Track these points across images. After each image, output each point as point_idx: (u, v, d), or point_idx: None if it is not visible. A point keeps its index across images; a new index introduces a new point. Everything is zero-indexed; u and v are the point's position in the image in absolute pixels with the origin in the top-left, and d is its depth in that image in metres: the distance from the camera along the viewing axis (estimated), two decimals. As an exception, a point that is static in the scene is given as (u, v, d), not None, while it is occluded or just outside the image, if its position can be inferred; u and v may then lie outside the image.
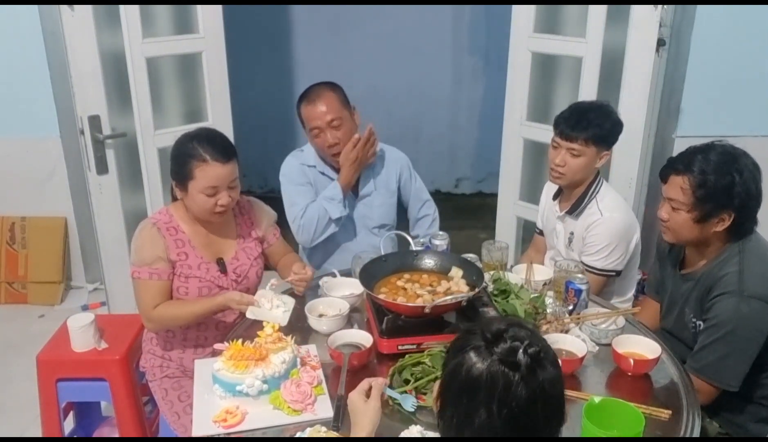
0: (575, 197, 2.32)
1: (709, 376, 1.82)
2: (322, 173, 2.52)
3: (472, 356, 1.10)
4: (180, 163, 1.96)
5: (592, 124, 2.20)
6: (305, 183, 2.50)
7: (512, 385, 1.06)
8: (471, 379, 1.08)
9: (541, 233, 2.60)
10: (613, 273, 2.29)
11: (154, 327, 2.07)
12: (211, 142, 1.95)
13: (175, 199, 2.09)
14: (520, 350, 1.07)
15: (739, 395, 1.85)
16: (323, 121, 2.38)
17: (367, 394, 1.44)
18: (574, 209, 2.31)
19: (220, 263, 2.05)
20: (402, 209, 2.74)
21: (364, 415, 1.40)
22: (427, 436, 1.43)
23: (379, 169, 2.59)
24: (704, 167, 1.81)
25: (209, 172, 1.92)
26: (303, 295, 2.08)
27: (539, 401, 1.08)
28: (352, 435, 1.41)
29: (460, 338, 1.16)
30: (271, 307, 1.87)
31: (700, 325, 1.89)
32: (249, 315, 1.85)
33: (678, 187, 1.84)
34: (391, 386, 1.62)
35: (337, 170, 2.48)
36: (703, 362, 1.82)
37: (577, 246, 2.33)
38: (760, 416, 1.92)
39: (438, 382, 1.20)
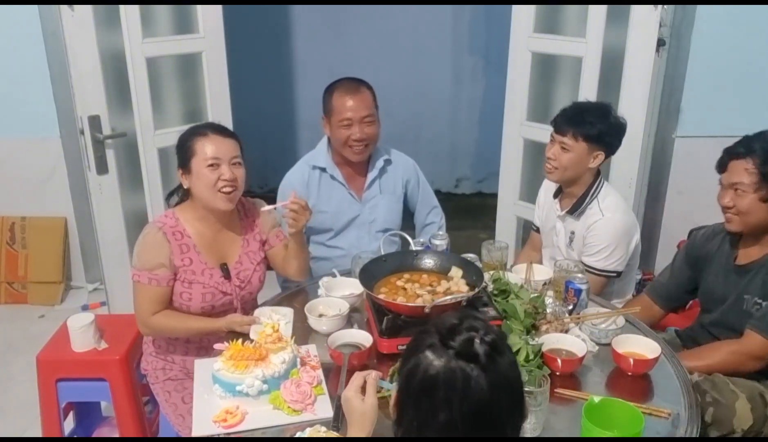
0: (576, 197, 2.32)
1: None
2: (332, 177, 2.52)
3: (428, 354, 1.08)
4: (183, 148, 2.01)
5: (584, 122, 2.21)
6: None
7: (471, 378, 1.04)
8: (429, 378, 1.06)
9: (538, 230, 2.60)
10: (614, 274, 2.29)
11: (148, 332, 2.07)
12: (211, 124, 2.08)
13: (170, 200, 2.10)
14: (477, 340, 1.06)
15: None
16: (358, 115, 2.40)
17: (362, 390, 1.39)
18: (575, 209, 2.32)
19: (224, 269, 2.05)
20: (409, 214, 2.74)
21: (363, 415, 1.35)
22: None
23: (385, 173, 2.59)
24: (766, 147, 1.89)
25: (208, 145, 1.97)
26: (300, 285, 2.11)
27: (500, 391, 1.06)
28: (350, 435, 1.39)
29: (414, 340, 1.14)
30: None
31: (764, 304, 1.93)
32: (253, 335, 1.84)
33: (741, 169, 1.91)
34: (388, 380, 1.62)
35: (350, 164, 2.51)
36: None
37: (578, 246, 2.33)
38: None
39: (394, 389, 1.17)
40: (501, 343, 1.09)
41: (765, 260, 1.97)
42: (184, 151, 2.00)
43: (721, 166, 1.99)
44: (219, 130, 2.02)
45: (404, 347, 1.69)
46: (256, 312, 1.93)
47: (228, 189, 1.97)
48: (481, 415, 1.05)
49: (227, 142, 2.00)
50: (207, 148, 1.96)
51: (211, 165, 1.96)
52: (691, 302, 2.45)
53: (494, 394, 1.05)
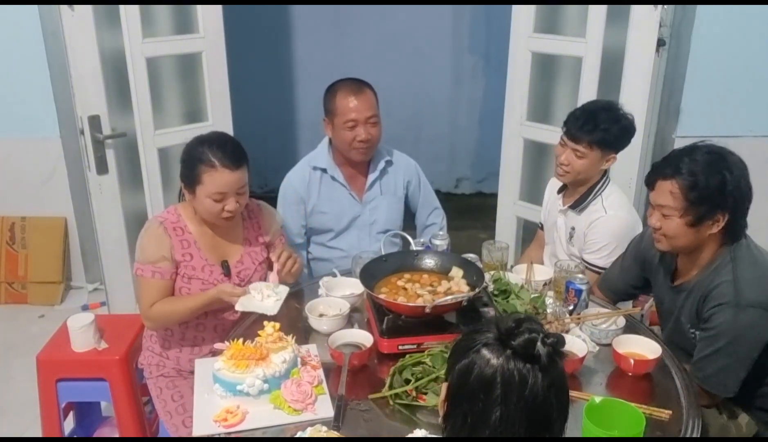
0: (580, 193, 2.32)
1: (711, 386, 1.81)
2: (333, 178, 2.51)
3: (485, 353, 1.08)
4: (189, 167, 1.95)
5: (599, 128, 2.18)
6: (296, 202, 2.52)
7: (530, 377, 1.05)
8: (486, 377, 1.07)
9: (542, 227, 2.61)
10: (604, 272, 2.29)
11: (153, 325, 2.07)
12: (222, 147, 1.94)
13: (180, 197, 2.10)
14: (539, 342, 1.06)
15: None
16: (363, 116, 2.38)
17: None
18: (578, 205, 2.31)
19: (224, 266, 2.06)
20: (410, 215, 2.74)
21: None
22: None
23: (386, 174, 2.59)
24: (693, 168, 1.75)
25: (217, 179, 1.91)
26: (300, 284, 2.10)
27: (555, 391, 1.08)
28: None
29: (465, 339, 1.14)
30: (263, 298, 1.88)
31: (697, 334, 1.87)
32: (238, 307, 1.86)
33: (667, 192, 1.78)
34: (391, 386, 1.62)
35: (351, 165, 2.51)
36: (705, 373, 1.80)
37: (578, 242, 2.33)
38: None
39: (444, 386, 1.17)
40: (561, 345, 1.10)
41: (694, 284, 1.87)
42: (190, 174, 1.95)
43: (648, 184, 1.85)
44: (230, 160, 1.92)
45: (405, 347, 1.73)
46: (251, 286, 1.93)
47: (228, 216, 1.97)
48: (535, 414, 1.07)
49: (237, 174, 1.93)
50: (216, 184, 1.91)
51: (217, 200, 1.93)
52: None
53: (550, 394, 1.07)
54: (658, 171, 1.82)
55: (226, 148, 1.95)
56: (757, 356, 1.79)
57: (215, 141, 1.97)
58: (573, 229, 2.35)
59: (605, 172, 2.31)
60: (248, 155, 2.01)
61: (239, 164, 1.94)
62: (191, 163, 1.95)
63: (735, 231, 1.82)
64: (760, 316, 1.74)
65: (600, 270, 2.27)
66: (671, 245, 1.86)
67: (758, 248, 1.87)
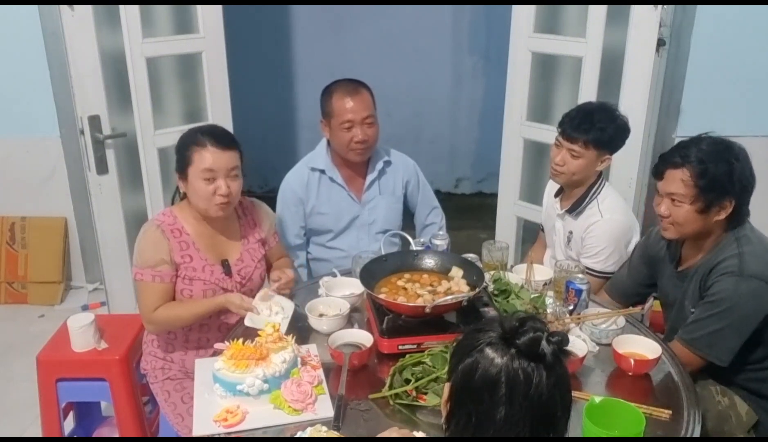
0: (576, 196, 2.32)
1: (699, 348, 1.84)
2: (331, 179, 2.52)
3: (489, 352, 1.08)
4: (181, 152, 2.00)
5: (595, 128, 2.18)
6: (295, 203, 2.52)
7: (534, 376, 1.05)
8: (490, 376, 1.06)
9: (543, 229, 2.61)
10: (612, 275, 2.28)
11: (154, 329, 2.07)
12: (212, 132, 2.01)
13: (174, 200, 2.09)
14: (543, 341, 1.06)
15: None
16: (359, 117, 2.38)
17: None
18: (575, 208, 2.31)
19: (225, 265, 2.05)
20: (409, 215, 2.74)
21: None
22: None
23: (384, 174, 2.59)
24: (702, 157, 1.82)
25: (206, 156, 1.94)
26: (300, 285, 2.11)
27: (560, 390, 1.08)
28: None
29: (468, 338, 1.14)
30: (270, 313, 1.88)
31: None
32: (247, 323, 1.86)
33: (678, 180, 1.85)
34: (391, 386, 1.62)
35: (349, 165, 2.51)
36: (695, 335, 1.84)
37: (576, 246, 2.33)
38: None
39: (446, 386, 1.17)
40: (565, 344, 1.10)
41: (698, 266, 1.93)
42: (182, 158, 1.99)
43: (657, 174, 1.92)
44: (219, 141, 1.96)
45: (405, 346, 1.73)
46: (257, 297, 1.93)
47: (223, 202, 1.97)
48: (540, 413, 1.07)
49: (226, 154, 1.96)
50: (205, 160, 1.94)
51: (208, 178, 1.94)
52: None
53: (554, 392, 1.07)
54: (667, 160, 1.89)
55: (216, 131, 2.02)
56: (753, 329, 1.82)
57: (206, 127, 2.06)
58: (570, 233, 2.35)
59: (600, 174, 2.31)
60: (248, 156, 2.03)
61: (228, 146, 1.99)
62: (183, 147, 2.00)
63: (740, 216, 1.89)
64: (761, 288, 1.79)
65: (598, 274, 2.27)
66: (679, 231, 1.91)
67: (759, 231, 1.94)
